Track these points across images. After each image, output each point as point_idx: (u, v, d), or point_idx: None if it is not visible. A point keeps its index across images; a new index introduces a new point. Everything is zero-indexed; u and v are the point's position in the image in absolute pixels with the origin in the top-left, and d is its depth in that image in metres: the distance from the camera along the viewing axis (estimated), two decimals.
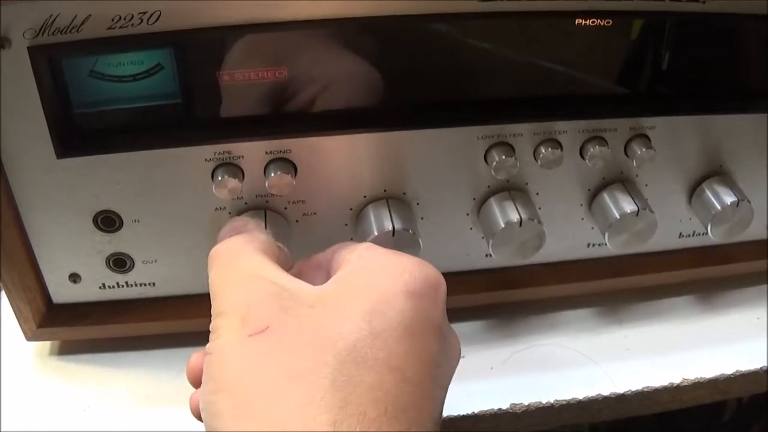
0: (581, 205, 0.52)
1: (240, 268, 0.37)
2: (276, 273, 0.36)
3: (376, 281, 0.35)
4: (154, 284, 0.50)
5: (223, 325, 0.34)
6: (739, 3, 0.46)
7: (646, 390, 0.50)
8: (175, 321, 0.50)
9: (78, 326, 0.50)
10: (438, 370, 0.34)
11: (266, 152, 0.45)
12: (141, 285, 0.50)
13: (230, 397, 0.32)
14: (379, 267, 0.36)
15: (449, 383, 0.37)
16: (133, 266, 0.49)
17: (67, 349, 0.52)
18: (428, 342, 0.34)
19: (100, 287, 0.50)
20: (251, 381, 0.32)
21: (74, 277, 0.49)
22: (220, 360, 0.33)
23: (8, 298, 0.48)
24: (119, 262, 0.49)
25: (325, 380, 0.31)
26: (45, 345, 0.53)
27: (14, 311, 0.49)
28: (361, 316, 0.33)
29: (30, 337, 0.50)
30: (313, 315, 0.33)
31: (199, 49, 0.44)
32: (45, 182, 0.45)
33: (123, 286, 0.50)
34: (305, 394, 0.31)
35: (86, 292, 0.50)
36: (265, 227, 0.46)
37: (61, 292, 0.50)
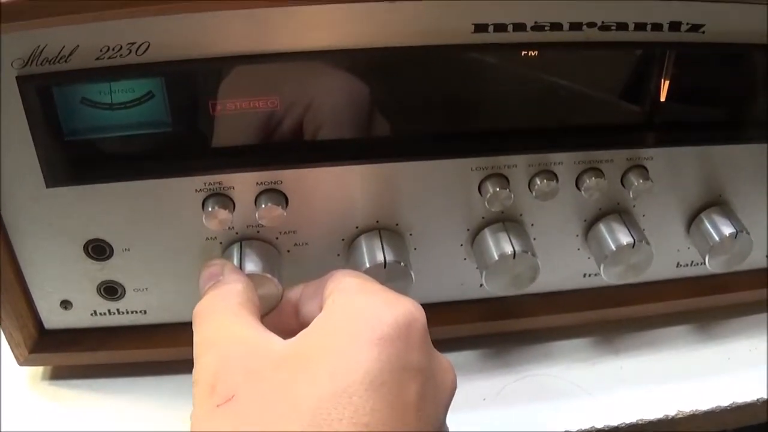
0: (577, 235, 0.51)
1: (212, 331, 0.37)
2: (247, 330, 0.36)
3: (340, 334, 0.34)
4: (145, 312, 0.50)
5: (196, 394, 0.34)
6: (738, 33, 0.45)
7: (640, 423, 0.49)
8: (167, 349, 0.50)
9: (70, 352, 0.50)
10: (420, 413, 0.33)
11: (257, 183, 0.45)
12: (132, 312, 0.50)
13: None
14: (345, 317, 0.35)
15: (441, 421, 0.36)
16: (124, 294, 0.49)
17: (60, 374, 0.52)
18: (403, 387, 0.33)
19: (91, 314, 0.49)
20: None
21: (65, 304, 0.49)
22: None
23: (0, 323, 0.48)
24: (110, 290, 0.48)
25: None
26: (38, 370, 0.52)
27: (6, 336, 0.48)
28: (323, 375, 0.32)
29: (22, 362, 0.50)
30: (277, 378, 0.33)
31: (190, 79, 0.44)
32: (35, 211, 0.44)
33: (114, 313, 0.50)
34: None
35: (78, 318, 0.50)
36: (241, 262, 0.45)
37: (53, 318, 0.50)
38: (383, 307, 0.35)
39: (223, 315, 0.38)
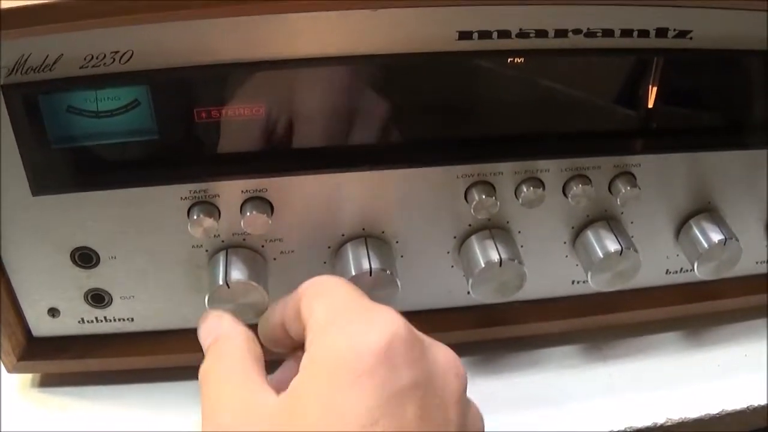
0: (565, 242, 0.51)
1: (216, 397, 0.37)
2: (249, 387, 0.36)
3: (323, 382, 0.33)
4: (132, 319, 0.50)
5: None
6: (727, 39, 0.45)
7: (629, 430, 0.49)
8: (154, 356, 0.50)
9: (58, 360, 0.50)
10: (426, 425, 0.33)
11: (242, 191, 0.45)
12: (119, 320, 0.50)
13: None
14: (323, 362, 0.34)
15: (455, 420, 0.35)
16: (111, 302, 0.49)
17: (49, 382, 0.52)
18: (398, 414, 0.32)
19: (79, 322, 0.49)
20: None
21: (53, 312, 0.49)
22: None
23: None
24: (97, 298, 0.48)
25: None
26: (27, 377, 0.53)
27: None
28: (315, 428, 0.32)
29: (10, 369, 0.50)
30: None
31: (174, 87, 0.43)
32: (21, 219, 0.44)
33: (102, 321, 0.50)
34: None
35: (65, 326, 0.50)
36: (227, 270, 0.45)
37: (41, 326, 0.50)
38: (357, 337, 0.34)
39: (226, 379, 0.37)
